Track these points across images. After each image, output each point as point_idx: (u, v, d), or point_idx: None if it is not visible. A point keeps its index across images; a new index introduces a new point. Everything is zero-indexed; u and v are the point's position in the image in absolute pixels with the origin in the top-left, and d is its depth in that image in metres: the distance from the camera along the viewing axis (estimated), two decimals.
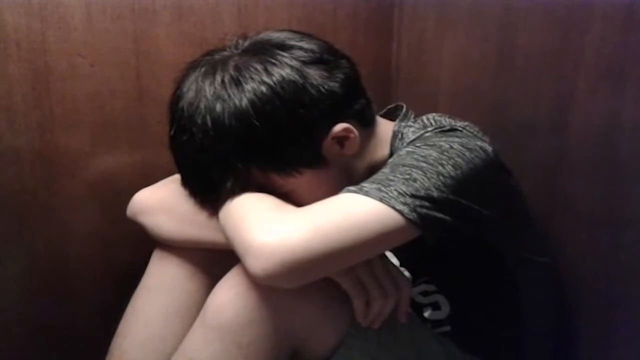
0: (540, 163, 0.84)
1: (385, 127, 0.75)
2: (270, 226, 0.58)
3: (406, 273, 0.79)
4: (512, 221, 0.72)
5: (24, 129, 0.86)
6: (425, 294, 0.79)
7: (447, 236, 0.62)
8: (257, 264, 0.57)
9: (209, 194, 0.68)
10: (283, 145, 0.66)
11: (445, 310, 0.78)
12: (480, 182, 0.65)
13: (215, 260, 0.74)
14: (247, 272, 0.61)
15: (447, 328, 0.77)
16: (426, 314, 0.78)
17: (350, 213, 0.59)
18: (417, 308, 0.78)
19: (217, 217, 0.67)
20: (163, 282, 0.77)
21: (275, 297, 0.62)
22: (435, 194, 0.61)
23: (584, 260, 0.81)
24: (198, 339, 0.63)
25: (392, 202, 0.60)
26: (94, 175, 0.92)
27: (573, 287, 0.82)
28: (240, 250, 0.59)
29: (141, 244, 0.80)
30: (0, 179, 0.86)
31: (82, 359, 0.86)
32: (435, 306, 0.78)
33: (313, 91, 0.65)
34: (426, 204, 0.61)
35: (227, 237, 0.63)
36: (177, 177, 0.75)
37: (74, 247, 0.91)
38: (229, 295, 0.62)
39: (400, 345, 0.67)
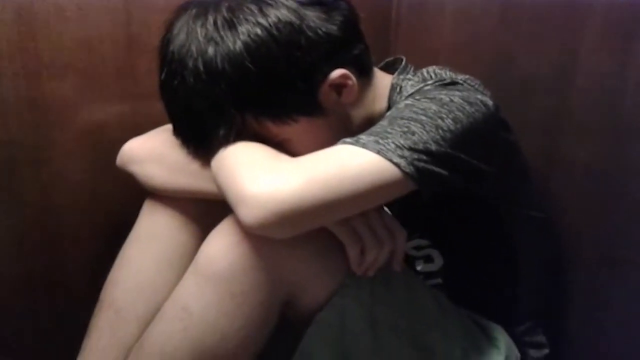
0: (542, 120, 0.83)
1: (383, 80, 0.73)
2: (263, 176, 0.57)
3: None
4: (510, 177, 0.71)
5: (10, 75, 0.83)
6: (418, 248, 0.78)
7: (443, 191, 0.61)
8: (250, 214, 0.55)
9: (201, 142, 0.66)
10: (278, 91, 0.63)
11: (438, 263, 0.77)
12: (480, 136, 0.64)
13: (207, 210, 0.73)
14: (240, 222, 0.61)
15: (439, 280, 0.77)
16: (419, 267, 0.78)
17: (346, 165, 0.58)
18: (410, 261, 0.78)
19: (210, 167, 0.65)
20: (154, 231, 0.76)
21: (269, 247, 0.61)
22: (433, 147, 0.59)
23: (583, 216, 0.80)
24: (191, 288, 0.62)
25: (390, 154, 0.58)
26: (84, 124, 0.89)
27: (571, 243, 0.82)
28: (232, 200, 0.58)
29: (132, 195, 0.78)
30: None
31: (73, 308, 0.85)
32: (428, 259, 0.78)
33: (310, 33, 0.63)
34: (424, 157, 0.59)
35: (219, 187, 0.62)
36: (168, 126, 0.73)
37: (64, 197, 0.89)
38: (222, 244, 0.61)
39: (393, 295, 0.67)
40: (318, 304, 0.64)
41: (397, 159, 0.58)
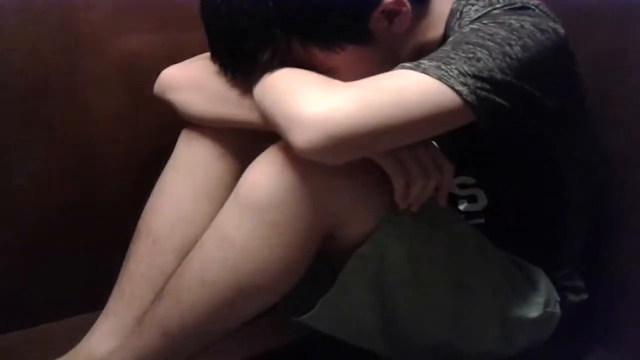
0: (600, 58, 0.78)
1: (441, 4, 0.68)
2: (318, 97, 0.54)
3: None
4: (572, 115, 0.68)
5: (41, 2, 0.81)
6: (463, 186, 0.76)
7: (501, 124, 0.58)
8: (303, 136, 0.53)
9: (243, 66, 0.64)
10: (328, 14, 0.60)
11: (481, 202, 0.75)
12: (549, 68, 0.60)
13: (245, 142, 0.72)
14: (285, 150, 0.59)
15: (481, 220, 0.75)
16: (461, 207, 0.76)
17: (405, 90, 0.55)
18: (453, 200, 0.76)
19: (250, 95, 0.63)
20: (191, 162, 0.75)
21: (312, 177, 0.59)
22: (498, 76, 0.56)
23: (629, 164, 0.77)
24: (231, 217, 0.61)
25: (452, 81, 0.55)
26: (118, 54, 0.88)
27: (615, 189, 0.79)
28: (283, 122, 0.55)
29: (168, 126, 0.77)
30: (17, 57, 0.82)
31: (108, 240, 0.86)
32: (472, 199, 0.76)
33: None
34: (487, 86, 0.56)
35: (265, 112, 0.59)
36: (207, 54, 0.70)
37: (97, 128, 0.89)
38: (264, 173, 0.60)
39: (435, 232, 0.65)
40: (358, 238, 0.62)
41: (459, 87, 0.55)
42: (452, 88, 0.55)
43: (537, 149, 0.70)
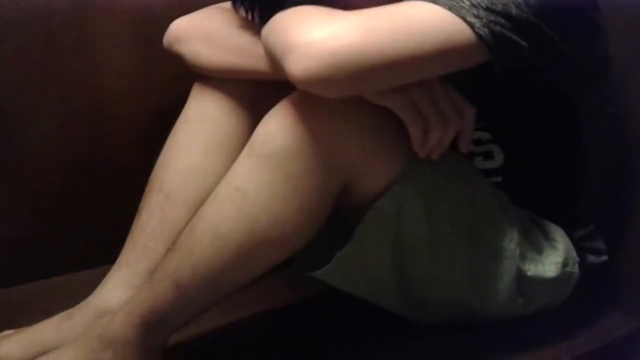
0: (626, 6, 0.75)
1: None
2: (319, 25, 0.51)
3: None
4: (591, 64, 0.65)
5: None
6: (478, 142, 0.73)
7: (516, 67, 0.55)
8: (300, 63, 0.50)
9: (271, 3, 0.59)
10: None
11: (498, 160, 0.73)
12: (568, 10, 0.57)
13: (257, 95, 0.70)
14: (300, 101, 0.57)
15: (498, 179, 0.73)
16: (477, 164, 0.74)
17: (413, 19, 0.52)
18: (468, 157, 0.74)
19: (260, 44, 0.60)
20: (203, 115, 0.73)
21: (328, 128, 0.57)
22: (514, 11, 0.53)
23: None
24: (245, 169, 0.60)
25: (463, 12, 0.52)
26: (129, 7, 0.85)
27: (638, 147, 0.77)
28: (281, 52, 0.52)
29: (180, 79, 0.76)
30: (25, 13, 0.80)
31: (120, 192, 0.85)
32: (488, 155, 0.73)
33: None
34: (502, 20, 0.53)
35: (268, 50, 0.56)
36: (217, 5, 0.69)
37: (108, 81, 0.87)
38: (280, 124, 0.58)
39: (454, 187, 0.64)
40: (376, 192, 0.61)
41: (471, 18, 0.52)
42: (464, 19, 0.52)
43: (553, 101, 0.68)
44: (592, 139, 0.71)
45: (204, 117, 0.74)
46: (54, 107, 0.85)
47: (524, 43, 0.54)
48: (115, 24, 0.86)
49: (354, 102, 0.57)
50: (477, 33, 0.53)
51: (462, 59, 0.55)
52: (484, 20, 0.53)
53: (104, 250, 0.75)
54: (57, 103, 0.85)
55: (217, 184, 0.62)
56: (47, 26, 0.82)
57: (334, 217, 0.63)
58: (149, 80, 0.89)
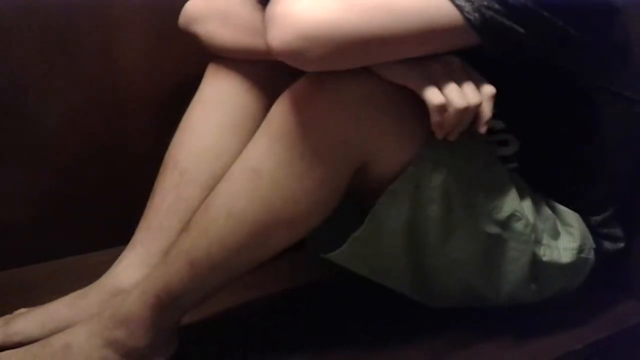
0: None
1: None
2: None
3: None
4: (606, 49, 0.64)
5: None
6: (492, 131, 0.72)
7: (515, 53, 0.54)
8: (276, 34, 0.50)
9: None
10: None
11: (513, 147, 0.72)
12: None
13: (272, 75, 0.70)
14: (316, 81, 0.56)
15: (514, 165, 0.72)
16: None
17: None
18: None
19: None
20: (218, 95, 0.73)
21: (345, 107, 0.57)
22: None
23: None
24: (260, 148, 0.60)
25: None
26: None
27: None
28: (265, 22, 0.52)
29: (195, 60, 0.76)
30: None
31: (135, 173, 0.86)
32: (503, 143, 0.72)
33: None
34: (495, 5, 0.52)
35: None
36: None
37: (123, 62, 0.87)
38: (296, 103, 0.57)
39: (471, 170, 0.63)
40: (392, 173, 0.60)
41: (460, 2, 0.51)
42: (452, 2, 0.51)
43: (571, 89, 0.67)
44: (609, 124, 0.70)
45: (218, 97, 0.74)
46: (69, 90, 0.85)
47: (520, 29, 0.53)
48: (131, 6, 0.86)
49: (372, 81, 0.56)
50: (466, 17, 0.51)
51: (449, 41, 0.54)
52: (475, 4, 0.51)
53: (117, 231, 0.76)
54: (72, 85, 0.85)
55: (232, 163, 0.62)
56: (65, 9, 0.82)
57: (349, 199, 0.63)
58: (164, 60, 0.89)
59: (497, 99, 0.68)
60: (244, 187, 0.59)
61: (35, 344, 0.63)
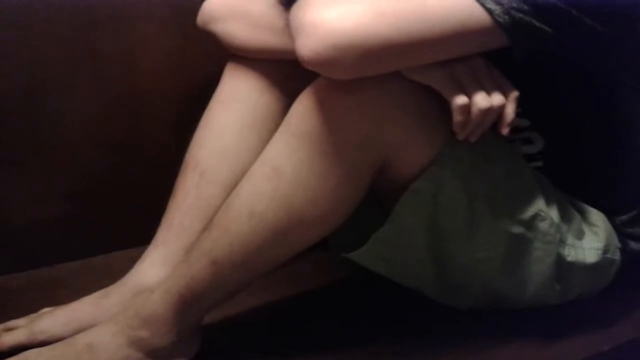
0: None
1: None
2: (331, 4, 0.50)
3: None
4: (632, 43, 0.62)
5: None
6: (517, 129, 0.72)
7: (543, 53, 0.54)
8: (307, 43, 0.50)
9: None
10: None
11: (537, 145, 0.71)
12: None
13: (291, 73, 0.70)
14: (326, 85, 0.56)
15: (539, 164, 0.71)
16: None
17: (427, 2, 0.51)
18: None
19: None
20: (237, 94, 0.73)
21: (367, 105, 0.56)
22: None
23: None
24: (281, 147, 0.59)
25: None
26: None
27: None
28: (294, 31, 0.52)
29: (216, 58, 0.76)
30: None
31: (156, 172, 0.86)
32: (527, 141, 0.71)
33: None
34: (525, 7, 0.52)
35: (291, 28, 0.56)
36: None
37: (144, 61, 0.88)
38: (317, 101, 0.57)
39: (494, 170, 0.62)
40: (414, 172, 0.60)
41: (490, 4, 0.51)
42: (483, 5, 0.51)
43: (597, 86, 0.66)
44: (635, 122, 0.69)
45: (237, 96, 0.74)
46: (91, 87, 0.86)
47: (548, 29, 0.53)
48: (152, 4, 0.86)
49: (395, 80, 0.56)
50: (496, 20, 0.51)
51: (479, 44, 0.54)
52: (506, 6, 0.51)
53: (140, 230, 0.76)
54: (95, 82, 0.86)
55: (252, 162, 0.62)
56: (88, 10, 0.83)
57: (371, 199, 0.63)
58: (185, 59, 0.89)
59: (523, 96, 0.68)
60: (264, 186, 0.59)
61: (59, 343, 0.63)
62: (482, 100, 0.55)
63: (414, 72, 0.56)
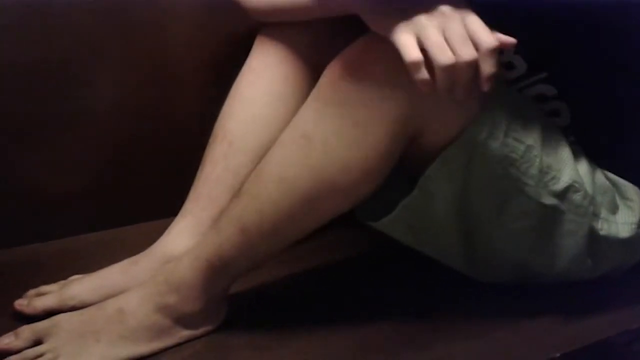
0: None
1: None
2: None
3: (521, 63, 0.67)
4: None
5: None
6: (542, 98, 0.70)
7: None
8: None
9: None
10: None
11: (564, 118, 0.69)
12: None
13: (321, 43, 0.70)
14: (368, 46, 0.56)
15: (572, 138, 0.69)
16: None
17: None
18: None
19: None
20: (266, 65, 0.73)
21: (398, 75, 0.54)
22: None
23: None
24: (311, 115, 0.59)
25: None
26: None
27: None
28: None
29: (245, 29, 0.76)
30: None
31: (186, 142, 0.86)
32: (554, 113, 0.70)
33: None
34: None
35: None
36: None
37: (173, 33, 0.87)
38: (348, 69, 0.56)
39: (529, 140, 0.61)
40: (446, 140, 0.59)
41: None
42: None
43: (629, 55, 0.64)
44: None
45: (267, 66, 0.74)
46: (122, 57, 0.86)
47: None
48: None
49: None
50: None
51: None
52: None
53: (168, 202, 0.76)
54: (125, 53, 0.86)
55: (280, 132, 0.62)
56: None
57: (400, 169, 0.62)
58: (214, 30, 0.88)
59: (551, 58, 0.64)
60: (295, 153, 0.59)
61: (89, 308, 0.64)
62: (440, 55, 0.50)
63: (376, 26, 0.54)
